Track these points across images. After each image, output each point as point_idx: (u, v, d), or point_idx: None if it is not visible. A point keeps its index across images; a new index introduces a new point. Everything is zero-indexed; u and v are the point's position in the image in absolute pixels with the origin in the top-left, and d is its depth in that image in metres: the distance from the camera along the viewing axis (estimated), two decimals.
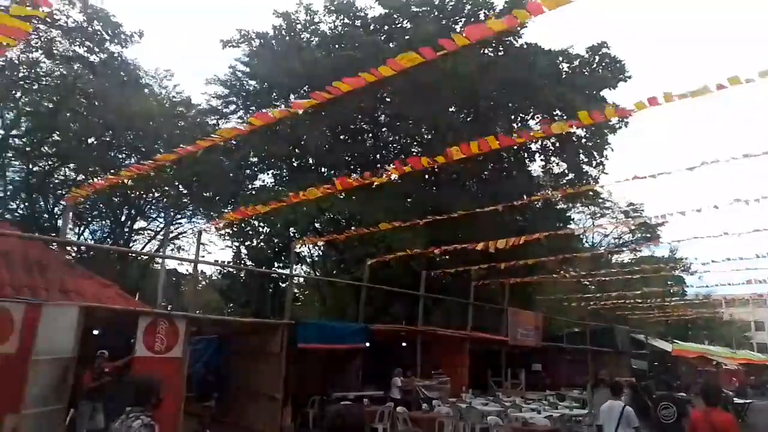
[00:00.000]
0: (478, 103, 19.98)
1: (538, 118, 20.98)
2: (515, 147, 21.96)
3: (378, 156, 23.50)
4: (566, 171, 23.10)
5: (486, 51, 19.35)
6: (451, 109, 20.79)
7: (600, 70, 21.09)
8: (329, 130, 22.93)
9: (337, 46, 19.94)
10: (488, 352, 17.61)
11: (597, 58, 21.26)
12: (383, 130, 22.98)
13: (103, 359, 9.22)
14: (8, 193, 23.76)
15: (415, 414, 11.65)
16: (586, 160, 22.06)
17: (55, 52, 20.00)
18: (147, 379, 3.64)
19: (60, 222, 26.74)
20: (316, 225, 19.42)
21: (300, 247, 23.50)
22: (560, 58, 20.78)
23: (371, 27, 20.32)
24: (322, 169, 22.99)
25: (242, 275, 26.14)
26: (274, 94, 23.04)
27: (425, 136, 21.67)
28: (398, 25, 20.11)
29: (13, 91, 21.42)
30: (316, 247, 27.27)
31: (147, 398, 3.55)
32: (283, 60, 19.48)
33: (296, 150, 22.35)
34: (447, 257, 20.20)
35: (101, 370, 9.09)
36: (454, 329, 16.73)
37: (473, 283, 17.90)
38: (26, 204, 24.05)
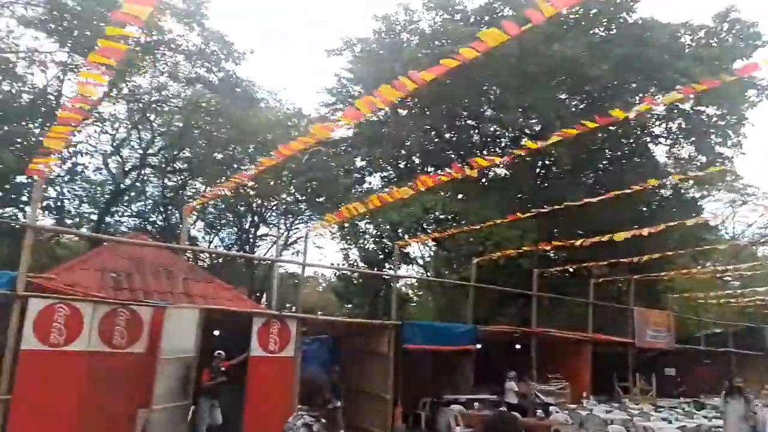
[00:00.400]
0: (590, 87, 18.67)
1: (659, 97, 19.15)
2: (636, 131, 20.29)
3: (485, 152, 22.90)
4: (696, 154, 20.86)
5: (596, 31, 18.04)
6: (561, 97, 19.67)
7: (730, 39, 18.75)
8: (433, 130, 22.74)
9: (436, 42, 19.68)
10: (612, 355, 16.34)
11: (725, 26, 18.92)
12: (489, 125, 22.31)
13: (220, 359, 9.76)
14: (148, 207, 26.45)
15: (529, 421, 11.06)
16: (719, 140, 19.75)
17: (180, 75, 21.85)
18: (313, 380, 3.73)
19: (190, 231, 29.26)
20: (424, 225, 19.29)
21: (408, 248, 23.52)
22: (681, 31, 18.77)
23: (471, 19, 19.80)
24: (428, 169, 22.86)
25: (354, 277, 26.75)
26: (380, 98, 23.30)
27: (534, 129, 20.71)
28: (499, 14, 19.40)
29: (148, 114, 23.74)
30: (426, 248, 27.21)
31: (314, 398, 3.63)
32: (384, 62, 19.62)
33: (401, 151, 22.42)
34: (564, 254, 19.14)
35: (218, 369, 9.64)
36: (572, 331, 15.73)
37: (592, 281, 16.73)
38: (163, 216, 26.49)
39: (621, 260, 15.14)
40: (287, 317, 10.76)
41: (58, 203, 19.88)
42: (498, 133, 23.05)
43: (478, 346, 13.47)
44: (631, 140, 19.93)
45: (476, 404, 11.99)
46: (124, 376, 8.72)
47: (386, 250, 22.47)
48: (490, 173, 21.97)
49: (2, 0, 16.55)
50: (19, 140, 16.54)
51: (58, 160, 19.04)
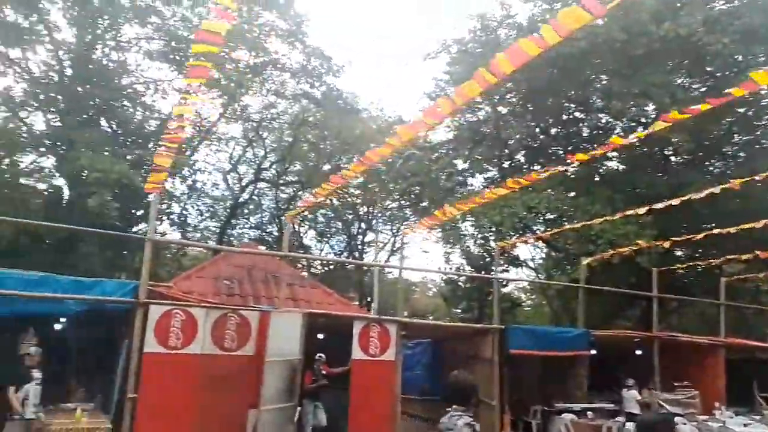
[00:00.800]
0: (710, 66, 16.89)
1: None
2: None
3: (596, 146, 21.56)
4: None
5: (714, 4, 16.28)
6: (677, 81, 18.01)
7: None
8: (537, 126, 21.87)
9: (535, 35, 18.91)
10: (751, 361, 14.54)
11: None
12: (599, 116, 21.02)
13: (321, 362, 10.04)
14: (264, 218, 28.18)
15: None
16: None
17: (286, 92, 23.06)
18: (466, 381, 3.79)
19: (303, 240, 30.63)
20: (529, 225, 18.55)
21: (516, 250, 22.74)
22: None
23: (572, 5, 18.79)
24: (535, 167, 22.00)
25: (461, 281, 26.39)
26: (479, 97, 22.93)
27: (649, 117, 19.15)
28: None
29: (260, 132, 25.33)
30: (538, 249, 26.20)
31: (467, 399, 3.70)
32: (481, 61, 19.23)
33: (504, 151, 21.80)
34: (688, 251, 17.46)
35: (319, 372, 9.91)
36: (701, 335, 14.24)
37: (723, 279, 15.04)
38: (278, 226, 28.02)
39: (758, 254, 13.46)
40: (387, 321, 10.82)
41: (182, 218, 21.72)
42: (610, 124, 21.65)
43: (593, 351, 12.65)
44: (764, 122, 17.70)
45: (589, 413, 11.24)
46: (235, 377, 9.24)
47: (491, 253, 21.94)
48: (601, 167, 20.67)
49: (129, 37, 18.52)
50: (149, 162, 18.34)
51: (180, 178, 20.96)
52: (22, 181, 17.76)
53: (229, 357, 9.38)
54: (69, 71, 16.93)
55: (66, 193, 16.88)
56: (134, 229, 18.68)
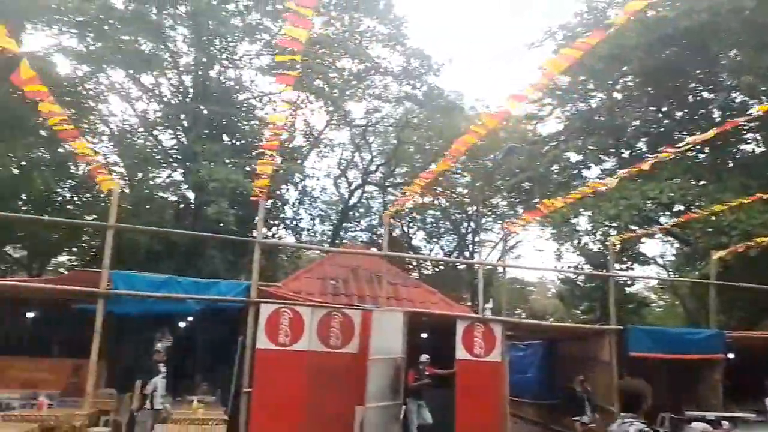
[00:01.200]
0: None
1: None
2: None
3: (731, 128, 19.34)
4: None
5: None
6: None
7: None
8: (659, 110, 20.13)
9: (648, 14, 17.41)
10: None
11: None
12: (731, 95, 18.86)
13: (426, 364, 9.98)
14: (373, 221, 28.73)
15: None
16: None
17: (389, 96, 23.36)
18: (635, 386, 3.72)
19: (412, 240, 30.76)
20: (652, 217, 17.03)
21: (641, 245, 21.06)
22: None
23: None
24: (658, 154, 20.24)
25: (579, 280, 24.97)
26: (591, 84, 21.62)
27: None
28: None
29: (366, 137, 25.91)
30: (667, 244, 24.10)
31: (638, 405, 3.64)
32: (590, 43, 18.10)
33: (621, 139, 20.31)
34: None
35: (423, 372, 9.85)
36: None
37: None
38: (388, 228, 28.43)
39: None
40: (491, 321, 10.51)
41: (293, 223, 22.78)
42: (745, 103, 19.34)
43: (730, 355, 11.34)
44: None
45: (725, 423, 10.05)
46: (341, 374, 9.48)
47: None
48: (735, 151, 18.55)
49: (241, 54, 19.84)
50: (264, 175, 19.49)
51: (292, 185, 22.01)
52: (160, 194, 19.73)
53: (335, 354, 9.64)
54: (191, 91, 18.54)
55: (192, 202, 18.45)
56: (254, 234, 19.93)
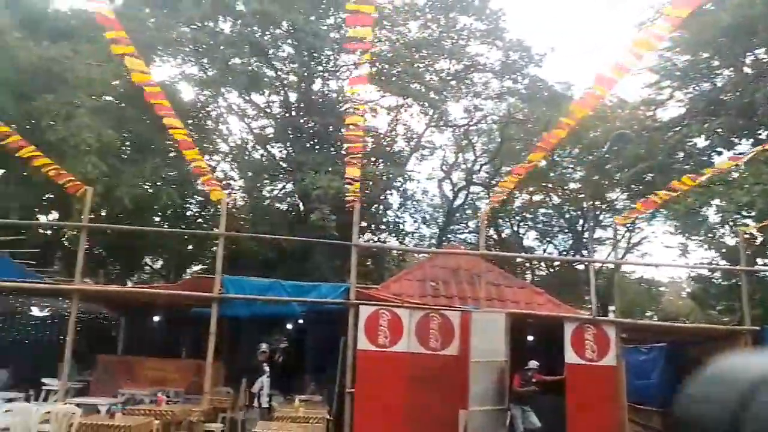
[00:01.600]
0: None
1: None
2: None
3: None
4: None
5: None
6: None
7: None
8: None
9: None
10: None
11: None
12: None
13: (534, 371, 9.56)
14: (477, 225, 28.14)
15: None
16: None
17: (490, 93, 22.80)
18: None
19: (523, 241, 29.75)
20: None
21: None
22: None
23: None
24: None
25: (713, 277, 22.56)
26: (716, 61, 19.55)
27: None
28: None
29: (469, 136, 25.51)
30: None
31: None
32: (709, 14, 16.39)
33: (752, 119, 18.13)
34: None
35: (530, 378, 9.43)
36: None
37: None
38: (495, 229, 27.73)
39: None
40: (603, 322, 9.81)
41: (398, 227, 22.94)
42: None
43: None
44: None
45: None
46: (442, 376, 9.35)
47: (751, 241, 18.23)
48: None
49: (339, 65, 20.45)
50: (366, 178, 19.91)
51: (396, 190, 22.22)
52: (277, 204, 20.95)
53: (435, 356, 9.52)
54: (295, 105, 19.47)
55: (302, 210, 19.35)
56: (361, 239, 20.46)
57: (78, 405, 8.49)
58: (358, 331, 9.36)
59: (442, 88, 21.71)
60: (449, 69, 21.71)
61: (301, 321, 11.88)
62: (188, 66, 20.29)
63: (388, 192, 21.27)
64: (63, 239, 19.25)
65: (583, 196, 27.12)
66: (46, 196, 16.30)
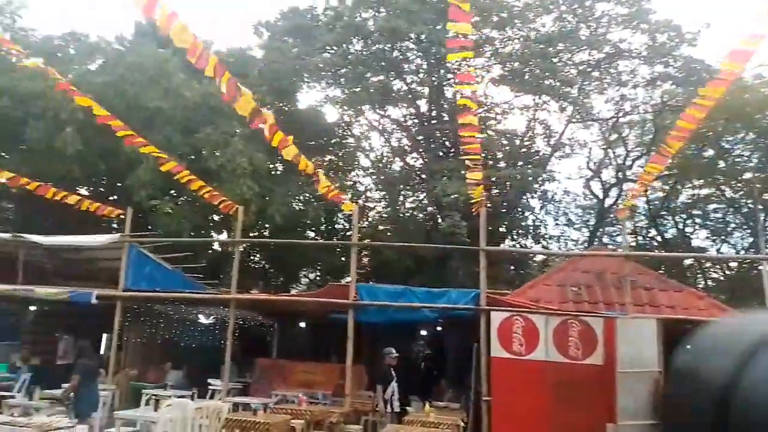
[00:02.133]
0: None
1: None
2: None
3: None
4: None
5: None
6: None
7: None
8: None
9: None
10: None
11: None
12: None
13: None
14: (638, 221, 25.82)
15: None
16: None
17: (639, 80, 20.95)
18: None
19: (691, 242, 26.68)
20: None
21: None
22: None
23: None
24: None
25: None
26: None
27: None
28: None
29: (621, 131, 23.67)
30: None
31: None
32: None
33: None
34: None
35: None
36: None
37: None
38: (656, 229, 25.36)
39: None
40: None
41: (539, 230, 21.93)
42: None
43: None
44: None
45: None
46: (585, 387, 8.74)
47: None
48: None
49: (476, 65, 20.26)
50: (497, 182, 19.44)
51: (536, 192, 21.33)
52: (416, 213, 21.38)
53: (576, 365, 8.94)
54: (426, 114, 19.73)
55: (438, 218, 19.46)
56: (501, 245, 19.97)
57: (236, 404, 9.42)
58: (491, 338, 9.12)
59: (582, 80, 20.44)
60: (590, 60, 20.39)
61: (438, 328, 11.91)
62: (331, 89, 21.63)
63: (529, 195, 20.51)
64: (231, 255, 21.51)
65: (760, 186, 23.67)
66: (214, 217, 18.35)
